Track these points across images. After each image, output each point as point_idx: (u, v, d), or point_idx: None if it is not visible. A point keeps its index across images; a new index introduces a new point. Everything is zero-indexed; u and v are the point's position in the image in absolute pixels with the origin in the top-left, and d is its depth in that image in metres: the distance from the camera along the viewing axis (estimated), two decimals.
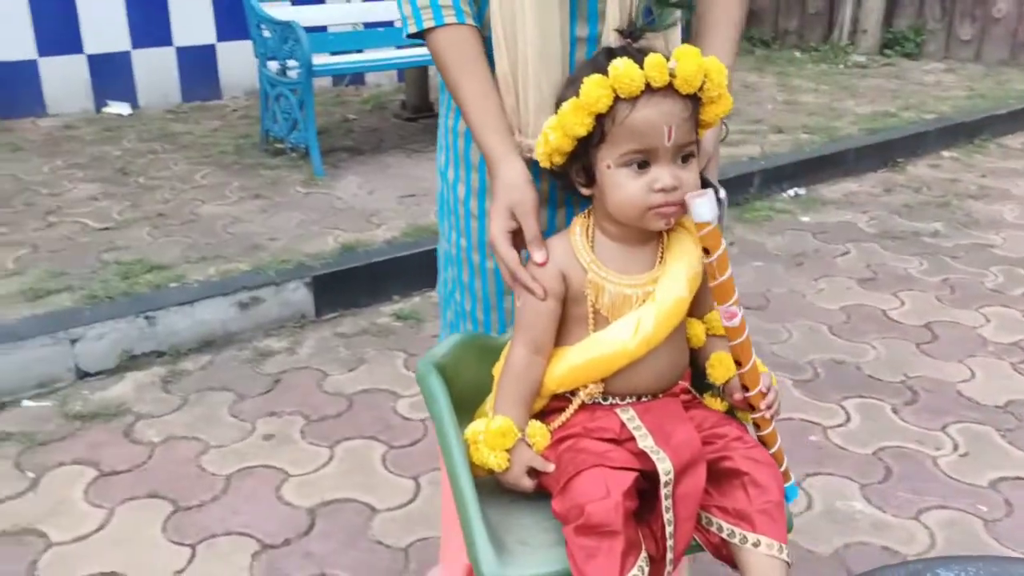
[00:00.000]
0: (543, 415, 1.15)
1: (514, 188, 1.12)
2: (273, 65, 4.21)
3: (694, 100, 1.04)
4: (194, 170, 4.12)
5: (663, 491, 1.01)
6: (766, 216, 4.00)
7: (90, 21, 5.06)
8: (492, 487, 1.12)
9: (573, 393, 1.12)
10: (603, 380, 1.11)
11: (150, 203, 3.67)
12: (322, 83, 5.74)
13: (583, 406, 1.12)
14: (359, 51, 4.57)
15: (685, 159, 1.06)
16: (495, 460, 1.07)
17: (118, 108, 5.19)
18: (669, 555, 1.04)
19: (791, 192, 4.33)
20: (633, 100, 1.01)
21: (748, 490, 1.04)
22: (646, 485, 1.03)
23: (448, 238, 1.37)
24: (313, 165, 4.06)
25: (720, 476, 1.07)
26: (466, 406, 1.18)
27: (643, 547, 1.01)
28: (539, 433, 1.10)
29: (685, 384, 1.17)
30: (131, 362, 2.64)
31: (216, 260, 3.09)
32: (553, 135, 1.06)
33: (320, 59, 4.14)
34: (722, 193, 1.12)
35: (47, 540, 1.92)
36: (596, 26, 1.15)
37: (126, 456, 2.22)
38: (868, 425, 2.38)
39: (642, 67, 1.00)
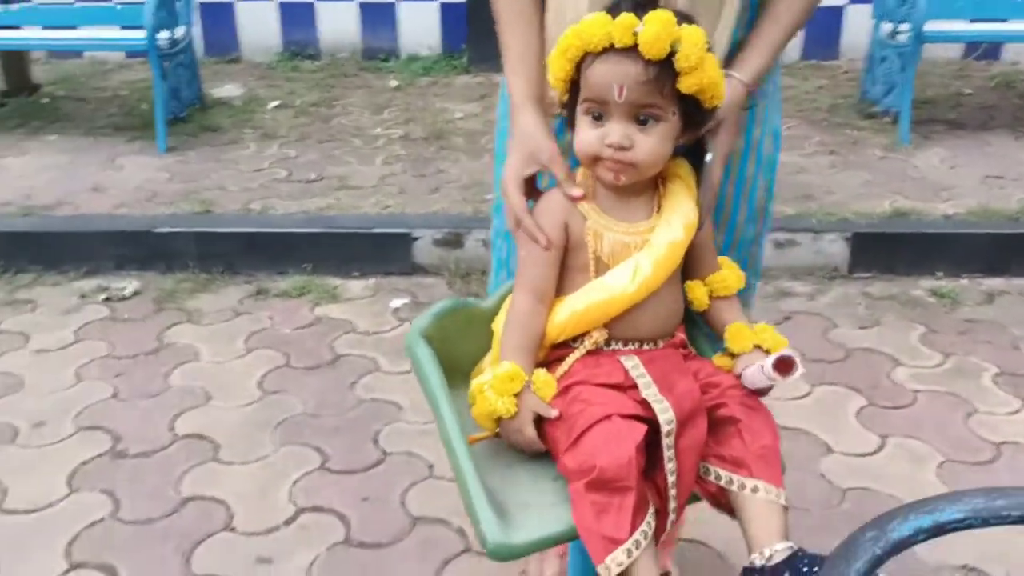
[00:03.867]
0: (545, 366, 1.14)
1: (531, 137, 1.16)
2: (886, 27, 4.17)
3: (666, 66, 1.03)
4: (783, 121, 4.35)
5: (665, 441, 1.01)
6: None
7: None
8: (488, 453, 1.10)
9: (576, 340, 1.13)
10: (606, 326, 1.11)
11: None
12: (948, 54, 5.43)
13: (587, 353, 1.12)
14: (992, 21, 4.25)
15: (645, 121, 1.05)
16: (503, 405, 1.05)
17: None
18: (672, 505, 1.03)
19: None
20: (598, 54, 1.04)
21: (744, 436, 1.05)
22: (650, 437, 1.03)
23: (498, 186, 1.38)
24: (900, 131, 3.97)
25: (716, 424, 1.07)
26: (455, 376, 1.16)
27: (650, 502, 1.01)
28: (544, 382, 1.10)
29: (682, 336, 1.18)
30: None
31: None
32: (551, 78, 1.11)
33: (937, 25, 3.96)
34: (708, 156, 1.13)
35: None
36: None
37: None
38: None
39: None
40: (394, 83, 5.03)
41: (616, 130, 1.05)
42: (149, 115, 4.03)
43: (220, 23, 5.52)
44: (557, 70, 1.09)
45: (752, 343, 1.14)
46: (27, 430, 2.24)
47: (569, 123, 1.14)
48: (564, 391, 1.09)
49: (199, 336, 2.68)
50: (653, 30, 1.00)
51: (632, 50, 1.02)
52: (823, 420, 2.23)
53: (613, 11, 1.03)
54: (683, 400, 1.04)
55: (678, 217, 1.11)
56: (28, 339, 2.67)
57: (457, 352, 1.18)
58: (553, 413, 1.06)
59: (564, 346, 1.14)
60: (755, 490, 1.03)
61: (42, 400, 2.37)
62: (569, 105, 1.12)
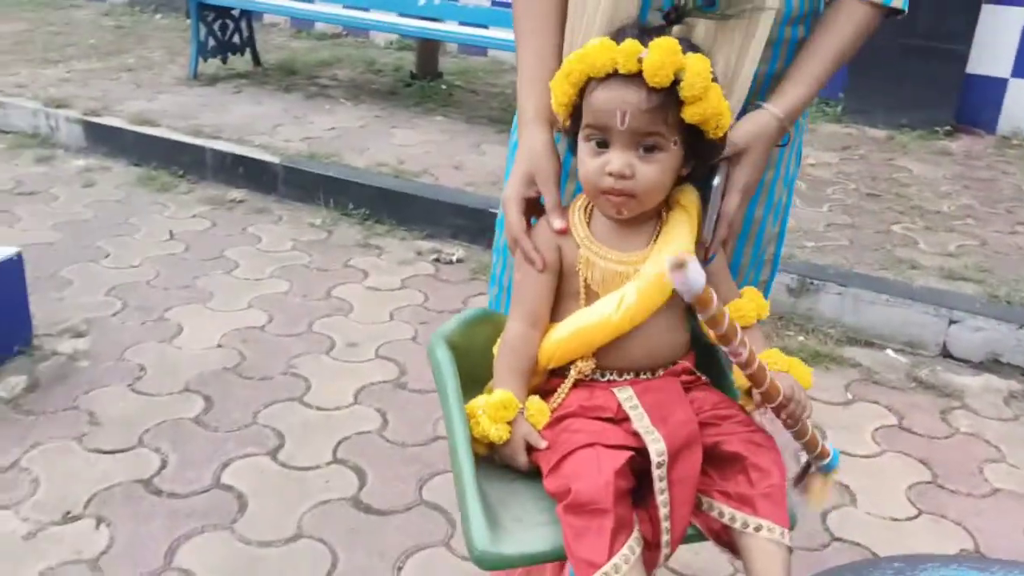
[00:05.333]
0: (542, 395, 1.12)
1: (535, 155, 1.14)
2: None
3: (670, 95, 1.00)
4: None
5: (655, 472, 1.00)
6: None
7: None
8: (492, 464, 1.10)
9: (566, 369, 1.11)
10: (594, 356, 1.09)
11: None
12: None
13: (580, 383, 1.10)
14: None
15: (648, 150, 1.03)
16: (496, 432, 1.05)
17: None
18: (665, 537, 1.00)
19: None
20: (601, 79, 1.02)
21: (750, 474, 1.02)
22: (644, 466, 1.01)
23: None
24: None
25: (721, 460, 1.04)
26: (477, 385, 1.15)
27: (635, 527, 0.98)
28: (538, 409, 1.09)
29: (687, 364, 1.13)
30: (992, 364, 2.73)
31: None
32: (553, 101, 1.09)
33: None
34: (715, 181, 1.09)
35: None
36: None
37: (927, 426, 2.42)
38: None
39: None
40: None
41: (617, 158, 1.03)
42: None
43: None
44: (560, 94, 1.08)
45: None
46: (342, 346, 2.65)
47: (572, 149, 1.13)
48: (555, 421, 1.08)
49: None
50: (657, 57, 0.98)
51: (636, 77, 1.00)
52: None
53: (618, 37, 1.02)
54: (677, 431, 1.02)
55: (671, 249, 1.07)
56: (367, 276, 3.14)
57: (479, 361, 1.18)
58: (543, 444, 1.06)
59: (559, 374, 1.13)
60: (759, 529, 1.00)
61: (360, 326, 2.78)
62: (572, 131, 1.11)
